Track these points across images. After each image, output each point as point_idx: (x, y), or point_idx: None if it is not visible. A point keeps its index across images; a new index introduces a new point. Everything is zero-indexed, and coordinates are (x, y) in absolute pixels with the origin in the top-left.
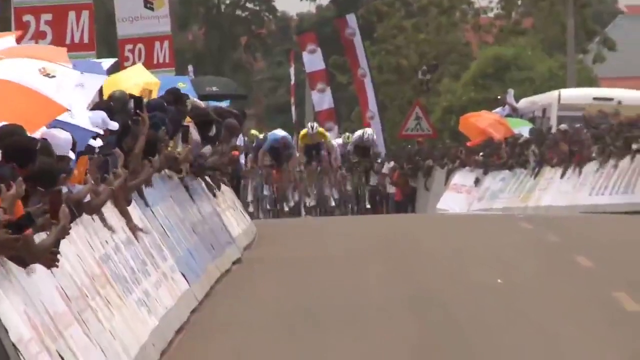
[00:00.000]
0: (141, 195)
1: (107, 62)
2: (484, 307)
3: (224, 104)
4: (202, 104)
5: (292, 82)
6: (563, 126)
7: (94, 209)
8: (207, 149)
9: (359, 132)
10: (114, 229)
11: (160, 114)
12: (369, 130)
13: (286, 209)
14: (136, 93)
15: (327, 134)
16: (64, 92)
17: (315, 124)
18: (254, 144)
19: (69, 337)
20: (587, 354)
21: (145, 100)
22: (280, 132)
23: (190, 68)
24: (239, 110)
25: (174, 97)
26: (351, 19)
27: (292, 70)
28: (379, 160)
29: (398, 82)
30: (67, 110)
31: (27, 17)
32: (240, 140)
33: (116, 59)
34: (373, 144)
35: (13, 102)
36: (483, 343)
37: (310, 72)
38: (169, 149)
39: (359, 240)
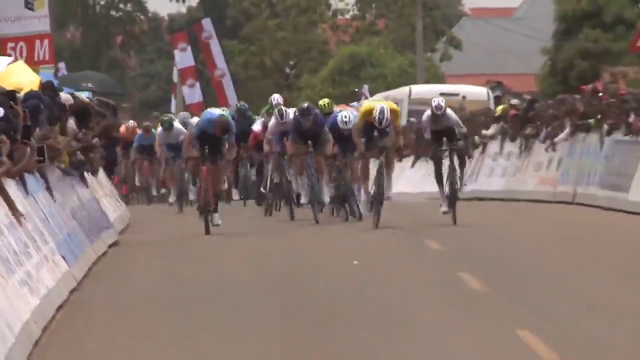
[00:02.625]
0: (23, 182)
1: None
2: (337, 289)
3: (89, 93)
4: (83, 97)
5: (176, 79)
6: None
7: None
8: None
9: None
10: None
11: (35, 102)
12: None
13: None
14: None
15: None
16: None
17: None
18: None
19: None
20: (434, 330)
21: (21, 93)
22: (216, 111)
23: (61, 65)
24: (113, 103)
25: (50, 89)
26: (207, 23)
27: (175, 68)
28: None
29: (262, 78)
30: None
31: (10, 44)
32: None
33: (10, 57)
34: None
35: None
36: (333, 321)
37: (181, 68)
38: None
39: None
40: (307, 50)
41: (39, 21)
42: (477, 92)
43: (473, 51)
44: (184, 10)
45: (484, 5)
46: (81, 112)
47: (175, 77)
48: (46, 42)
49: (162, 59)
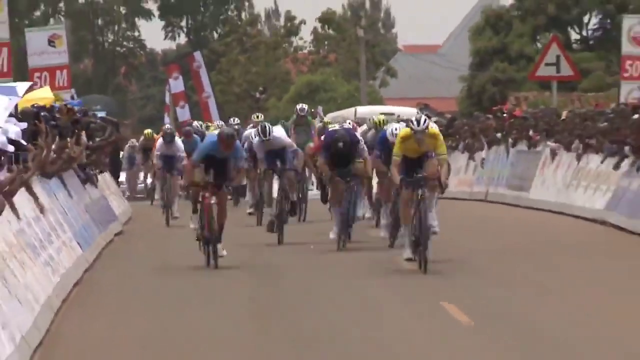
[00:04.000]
0: (46, 183)
1: (23, 86)
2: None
3: (102, 113)
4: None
5: (168, 101)
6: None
7: (12, 194)
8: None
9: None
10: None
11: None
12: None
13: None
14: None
15: None
16: None
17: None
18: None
19: None
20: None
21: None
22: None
23: (72, 91)
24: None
25: (67, 109)
26: (197, 55)
27: (168, 93)
28: None
29: (236, 102)
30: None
31: (36, 73)
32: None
33: (31, 82)
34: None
35: None
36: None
37: (174, 92)
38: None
39: None
40: (273, 79)
41: (60, 55)
42: (409, 113)
43: (406, 79)
44: (174, 47)
45: (414, 43)
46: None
47: (167, 100)
48: (65, 72)
49: (157, 85)
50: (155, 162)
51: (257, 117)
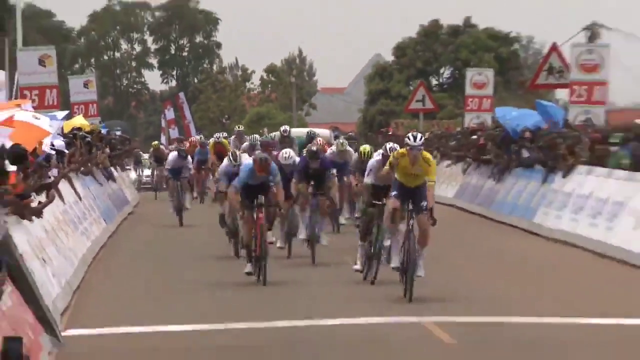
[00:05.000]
0: (82, 179)
1: (61, 113)
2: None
3: (119, 132)
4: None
5: (163, 125)
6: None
7: (56, 189)
8: None
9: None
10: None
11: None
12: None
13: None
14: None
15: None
16: (46, 126)
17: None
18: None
19: (47, 251)
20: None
21: (81, 133)
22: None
23: (99, 118)
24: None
25: (91, 133)
26: (182, 95)
27: (163, 119)
28: None
29: (208, 125)
30: (49, 134)
31: (26, 92)
32: None
33: (67, 111)
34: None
35: (25, 129)
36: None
37: (168, 119)
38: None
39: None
40: (234, 110)
41: (49, 75)
42: (325, 134)
43: (322, 110)
44: (167, 88)
45: (328, 86)
46: (111, 142)
47: (163, 124)
48: (55, 91)
49: (156, 114)
50: (166, 174)
51: (238, 127)
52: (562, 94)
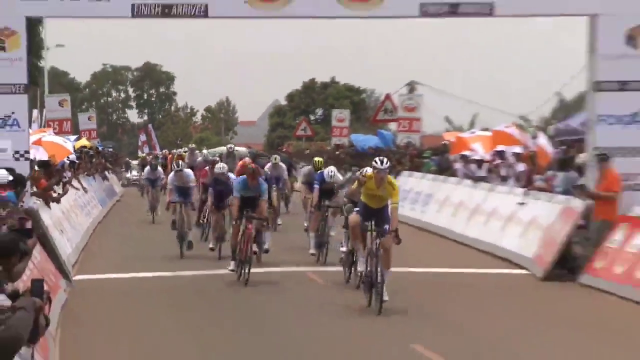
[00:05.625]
0: (87, 178)
1: (73, 137)
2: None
3: (111, 149)
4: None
5: (140, 144)
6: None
7: (70, 185)
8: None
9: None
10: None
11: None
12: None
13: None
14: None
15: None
16: (70, 147)
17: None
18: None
19: (63, 225)
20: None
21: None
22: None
23: (98, 140)
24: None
25: (92, 149)
26: (150, 126)
27: (139, 141)
28: None
29: (169, 145)
30: (72, 152)
31: (50, 123)
32: None
33: (77, 135)
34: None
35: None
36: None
37: (142, 141)
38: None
39: None
40: (185, 135)
41: (66, 112)
42: (244, 150)
43: (241, 136)
44: (142, 120)
45: (245, 120)
46: (105, 155)
47: (139, 144)
48: (69, 122)
49: (135, 138)
50: (143, 182)
51: (192, 145)
52: (393, 126)
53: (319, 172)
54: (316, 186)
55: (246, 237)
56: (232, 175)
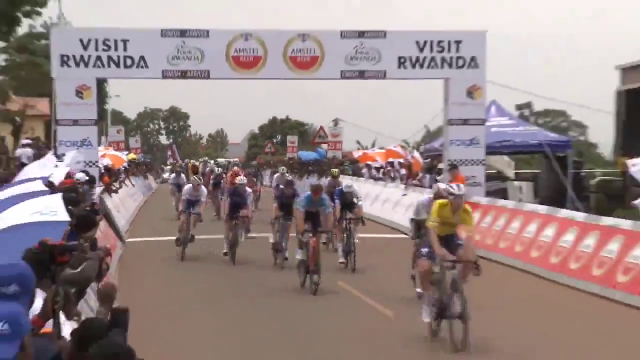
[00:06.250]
0: (134, 177)
1: (125, 152)
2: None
3: (148, 160)
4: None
5: (168, 157)
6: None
7: (124, 182)
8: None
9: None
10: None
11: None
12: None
13: None
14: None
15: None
16: (124, 158)
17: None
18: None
19: (120, 207)
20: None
21: (133, 160)
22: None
23: (142, 154)
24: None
25: (137, 160)
26: (174, 146)
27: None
28: None
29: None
30: (125, 161)
31: (112, 144)
32: None
33: (128, 151)
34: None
35: (114, 158)
36: None
37: (168, 155)
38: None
39: None
40: (195, 152)
41: (121, 137)
42: (235, 162)
43: (231, 152)
44: (170, 141)
45: (233, 142)
46: (145, 164)
47: (167, 156)
48: (123, 144)
49: (164, 153)
50: (171, 187)
51: (205, 158)
52: (325, 146)
53: (337, 188)
54: (337, 200)
55: (312, 249)
56: (248, 190)
